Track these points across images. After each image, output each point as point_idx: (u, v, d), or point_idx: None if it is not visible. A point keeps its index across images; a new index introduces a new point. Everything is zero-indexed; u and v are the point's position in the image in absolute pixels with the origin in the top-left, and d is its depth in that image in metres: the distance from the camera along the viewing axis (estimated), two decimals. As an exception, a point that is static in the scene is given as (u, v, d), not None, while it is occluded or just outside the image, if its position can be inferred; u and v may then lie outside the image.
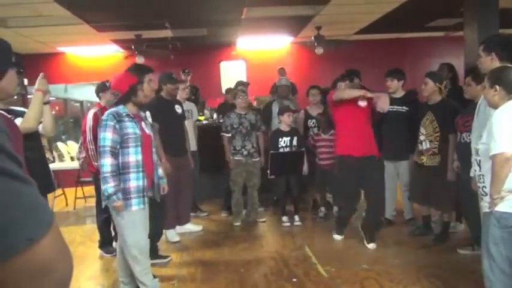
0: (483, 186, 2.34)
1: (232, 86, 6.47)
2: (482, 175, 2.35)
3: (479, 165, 2.37)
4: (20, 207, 0.58)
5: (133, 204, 2.89)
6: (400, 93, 4.51)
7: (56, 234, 0.62)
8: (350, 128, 4.02)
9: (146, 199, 2.98)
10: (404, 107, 4.42)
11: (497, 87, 2.25)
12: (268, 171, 4.94)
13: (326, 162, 4.99)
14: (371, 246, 4.05)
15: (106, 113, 2.96)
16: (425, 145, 3.97)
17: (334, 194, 4.87)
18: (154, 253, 3.97)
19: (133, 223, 2.92)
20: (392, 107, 4.46)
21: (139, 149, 2.90)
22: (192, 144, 5.10)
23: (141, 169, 2.91)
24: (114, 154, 2.85)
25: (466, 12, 4.98)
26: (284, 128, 4.94)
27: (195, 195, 5.29)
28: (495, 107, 2.29)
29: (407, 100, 4.44)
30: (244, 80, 7.20)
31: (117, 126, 2.84)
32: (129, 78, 2.97)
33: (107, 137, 2.82)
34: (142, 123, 3.03)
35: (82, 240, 4.67)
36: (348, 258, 3.83)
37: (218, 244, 4.47)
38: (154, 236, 3.89)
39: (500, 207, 2.16)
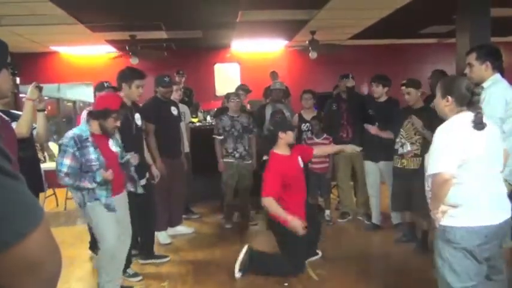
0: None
1: (227, 89, 6.48)
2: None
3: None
4: (9, 202, 0.59)
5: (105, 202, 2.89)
6: (383, 98, 4.64)
7: (46, 230, 0.62)
8: (297, 196, 3.65)
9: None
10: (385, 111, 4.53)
11: (449, 97, 2.15)
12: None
13: (319, 166, 5.02)
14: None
15: (67, 135, 2.89)
16: (405, 148, 3.99)
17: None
18: (150, 254, 3.97)
19: (101, 214, 2.89)
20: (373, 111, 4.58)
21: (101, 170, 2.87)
22: (185, 146, 5.10)
23: (104, 187, 2.88)
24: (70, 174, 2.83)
25: (458, 20, 5.05)
26: (277, 131, 4.95)
27: (187, 197, 5.28)
28: (445, 117, 2.20)
29: (390, 105, 4.56)
30: (240, 83, 7.20)
31: (77, 153, 2.79)
32: (111, 102, 2.93)
33: (64, 162, 2.79)
34: (110, 142, 2.98)
35: (72, 242, 4.64)
36: (338, 262, 3.84)
37: (210, 246, 4.47)
38: (148, 236, 3.89)
39: (444, 221, 2.11)
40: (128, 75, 3.63)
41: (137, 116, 3.72)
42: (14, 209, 0.58)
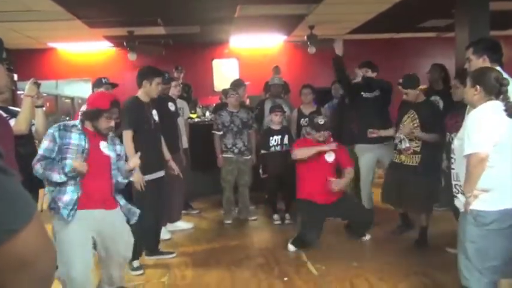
0: (459, 185, 2.35)
1: (226, 85, 6.45)
2: (457, 173, 2.36)
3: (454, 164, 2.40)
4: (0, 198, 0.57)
5: (62, 212, 2.55)
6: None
7: (38, 227, 0.61)
8: (314, 181, 4.04)
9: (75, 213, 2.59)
10: (376, 92, 4.56)
11: (478, 87, 2.28)
12: (261, 171, 4.95)
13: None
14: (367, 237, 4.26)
15: None
16: (404, 144, 3.95)
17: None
18: (155, 250, 3.96)
19: (65, 230, 2.56)
20: (366, 93, 4.58)
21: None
22: (184, 142, 5.10)
23: (76, 180, 2.60)
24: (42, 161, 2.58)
25: (457, 14, 5.03)
26: (275, 126, 4.95)
27: (186, 193, 5.28)
28: (473, 106, 2.33)
29: (380, 85, 4.58)
30: (239, 79, 7.17)
31: (56, 134, 2.58)
32: (102, 102, 2.72)
33: (42, 145, 2.60)
34: (102, 143, 2.74)
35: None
36: (338, 256, 3.85)
37: (209, 242, 4.47)
38: (153, 232, 3.87)
39: (476, 206, 2.17)
40: (149, 73, 3.74)
41: (154, 112, 3.78)
42: (4, 205, 0.57)
